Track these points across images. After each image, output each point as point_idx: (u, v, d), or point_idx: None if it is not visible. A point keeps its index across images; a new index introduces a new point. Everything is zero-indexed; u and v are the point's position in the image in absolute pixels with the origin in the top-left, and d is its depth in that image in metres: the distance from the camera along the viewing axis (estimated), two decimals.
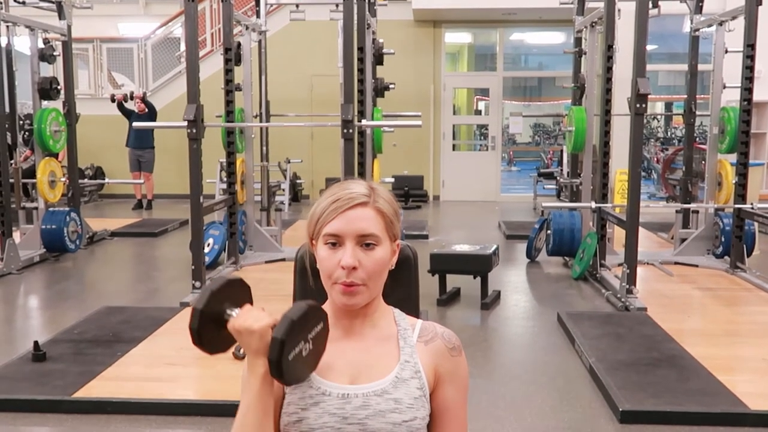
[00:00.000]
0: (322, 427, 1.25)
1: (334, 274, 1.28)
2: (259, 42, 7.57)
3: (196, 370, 3.97)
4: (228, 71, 6.31)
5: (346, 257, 1.27)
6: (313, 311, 1.23)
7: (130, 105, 10.32)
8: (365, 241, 1.28)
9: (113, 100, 10.08)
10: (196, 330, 1.23)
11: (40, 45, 7.06)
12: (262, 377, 1.22)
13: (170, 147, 10.99)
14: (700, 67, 7.16)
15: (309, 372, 1.26)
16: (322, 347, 1.26)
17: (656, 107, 17.58)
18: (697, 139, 9.44)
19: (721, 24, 6.46)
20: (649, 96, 5.12)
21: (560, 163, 11.27)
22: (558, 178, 10.72)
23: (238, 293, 1.29)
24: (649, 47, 5.68)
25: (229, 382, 3.67)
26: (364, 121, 6.09)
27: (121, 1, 13.69)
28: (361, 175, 5.98)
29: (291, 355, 1.18)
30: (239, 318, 1.23)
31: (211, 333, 1.24)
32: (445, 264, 5.38)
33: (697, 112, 7.17)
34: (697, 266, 6.40)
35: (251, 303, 1.29)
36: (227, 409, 3.33)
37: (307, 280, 1.45)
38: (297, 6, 7.84)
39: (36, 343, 3.93)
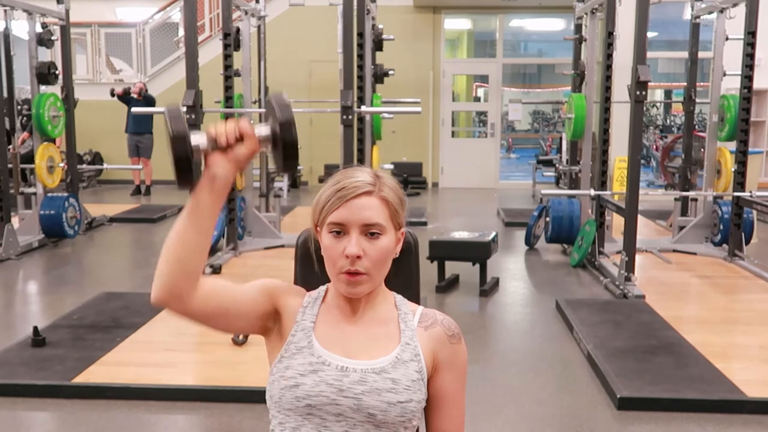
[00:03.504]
0: (318, 395, 1.26)
1: (339, 262, 1.28)
2: (258, 27, 7.53)
3: (195, 356, 3.98)
4: (227, 56, 6.29)
5: (350, 246, 1.27)
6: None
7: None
8: (370, 230, 1.28)
9: (113, 95, 10.07)
10: (185, 156, 1.21)
11: (38, 29, 7.02)
12: (220, 187, 1.23)
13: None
14: (701, 54, 7.14)
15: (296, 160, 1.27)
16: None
17: (656, 95, 17.56)
18: (697, 126, 9.41)
19: (721, 11, 6.42)
20: (649, 83, 5.10)
21: (559, 150, 11.25)
22: (557, 165, 10.70)
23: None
24: (650, 34, 5.66)
25: (228, 368, 3.68)
26: (363, 108, 6.08)
27: None
28: (360, 161, 5.97)
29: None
30: (213, 129, 1.23)
31: (188, 161, 1.23)
32: (444, 251, 5.38)
33: (697, 100, 7.14)
34: (695, 254, 6.41)
35: None
36: (226, 395, 3.35)
37: (307, 266, 1.46)
38: None
39: (35, 328, 3.93)
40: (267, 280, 1.38)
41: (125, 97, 10.15)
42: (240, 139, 1.22)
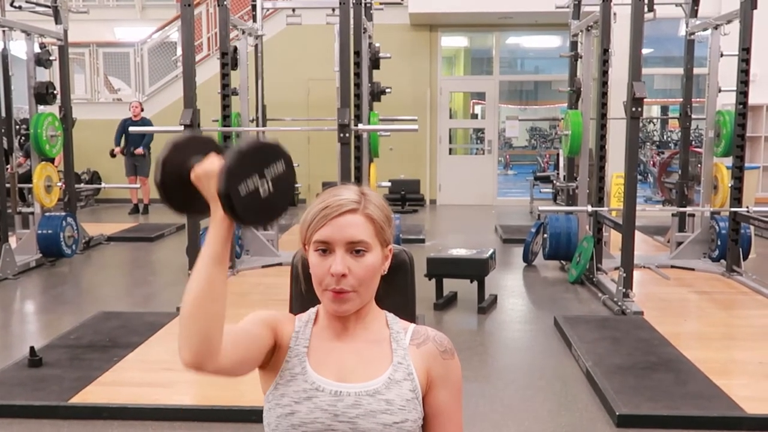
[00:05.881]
0: (313, 422, 1.26)
1: (325, 280, 1.29)
2: (256, 46, 7.57)
3: (192, 376, 3.92)
4: (224, 75, 6.31)
5: (335, 264, 1.27)
6: (271, 149, 1.18)
7: (122, 113, 10.39)
8: (355, 248, 1.29)
9: (113, 155, 10.34)
10: (160, 181, 1.23)
11: (37, 49, 7.06)
12: (220, 221, 1.20)
13: None
14: (696, 70, 7.17)
15: (269, 217, 1.20)
16: (287, 192, 1.20)
17: (652, 111, 17.63)
18: (693, 142, 9.44)
19: (716, 28, 6.47)
20: (645, 100, 5.13)
21: (556, 166, 11.28)
22: (554, 181, 10.73)
23: (206, 148, 1.26)
24: (645, 51, 5.68)
25: (226, 387, 3.66)
26: (360, 126, 6.10)
27: (118, 6, 13.69)
28: (358, 179, 5.98)
29: (243, 190, 1.13)
30: (200, 164, 1.22)
31: (178, 188, 1.24)
32: (441, 268, 5.38)
33: (693, 116, 7.17)
34: (693, 270, 6.40)
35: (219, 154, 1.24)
36: (224, 415, 3.33)
37: (301, 284, 1.46)
38: (293, 10, 7.88)
39: (32, 348, 3.92)
40: (263, 313, 1.35)
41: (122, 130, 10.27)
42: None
